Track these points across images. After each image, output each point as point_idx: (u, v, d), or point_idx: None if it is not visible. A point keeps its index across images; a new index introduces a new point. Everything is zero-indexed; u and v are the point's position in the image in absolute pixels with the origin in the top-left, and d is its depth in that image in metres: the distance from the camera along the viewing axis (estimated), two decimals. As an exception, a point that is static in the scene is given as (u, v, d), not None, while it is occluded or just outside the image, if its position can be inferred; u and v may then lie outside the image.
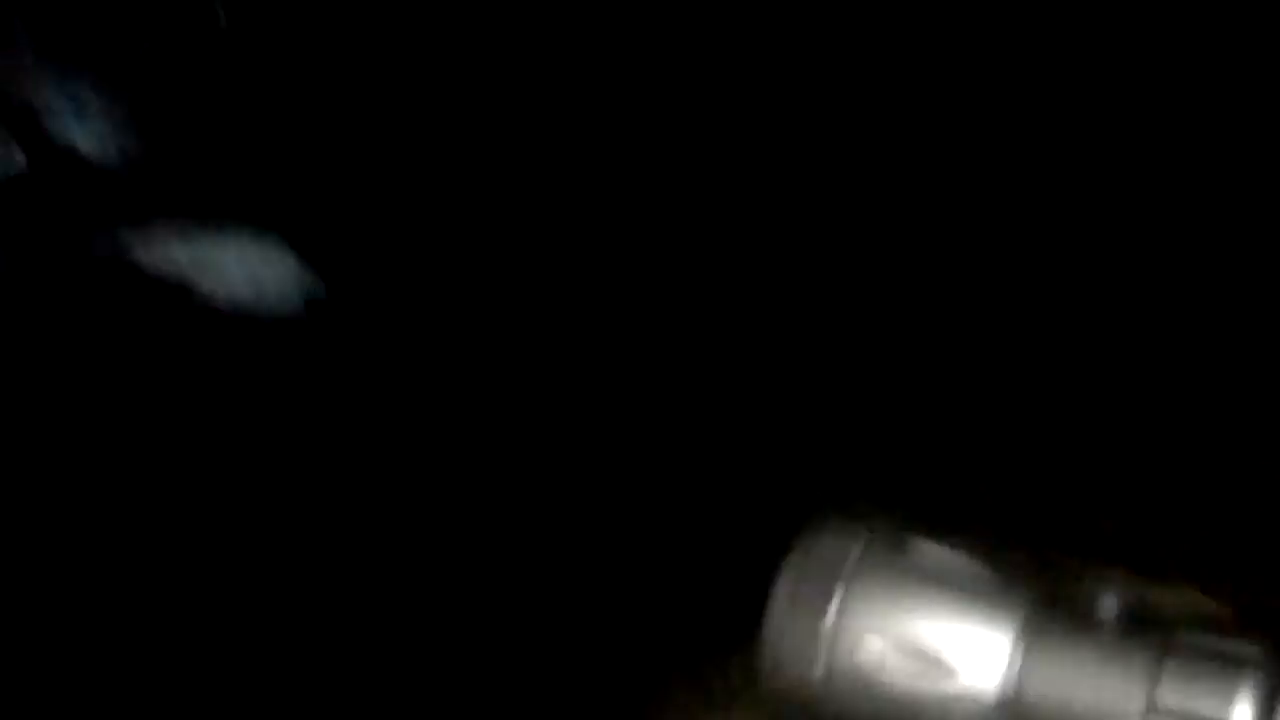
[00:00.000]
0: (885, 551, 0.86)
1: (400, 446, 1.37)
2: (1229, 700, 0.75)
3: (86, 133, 1.33)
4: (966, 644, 0.82)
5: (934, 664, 0.82)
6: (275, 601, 1.32)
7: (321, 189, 1.34)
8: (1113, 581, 0.85)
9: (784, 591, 0.86)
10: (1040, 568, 0.86)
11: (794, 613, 0.86)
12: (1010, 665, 0.81)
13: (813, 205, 1.31)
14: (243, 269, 1.34)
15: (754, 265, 1.34)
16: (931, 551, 0.87)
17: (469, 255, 1.37)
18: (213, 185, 1.34)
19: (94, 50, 1.33)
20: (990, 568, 0.85)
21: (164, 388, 1.33)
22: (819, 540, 0.88)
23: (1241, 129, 1.22)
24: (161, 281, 1.33)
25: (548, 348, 1.37)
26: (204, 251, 1.33)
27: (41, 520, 1.27)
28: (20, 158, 1.33)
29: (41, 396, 1.30)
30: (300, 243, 1.34)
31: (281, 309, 1.35)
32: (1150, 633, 0.80)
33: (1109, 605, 0.82)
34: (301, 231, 1.34)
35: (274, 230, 1.34)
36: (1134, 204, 1.28)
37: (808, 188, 1.31)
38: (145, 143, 1.34)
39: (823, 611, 0.85)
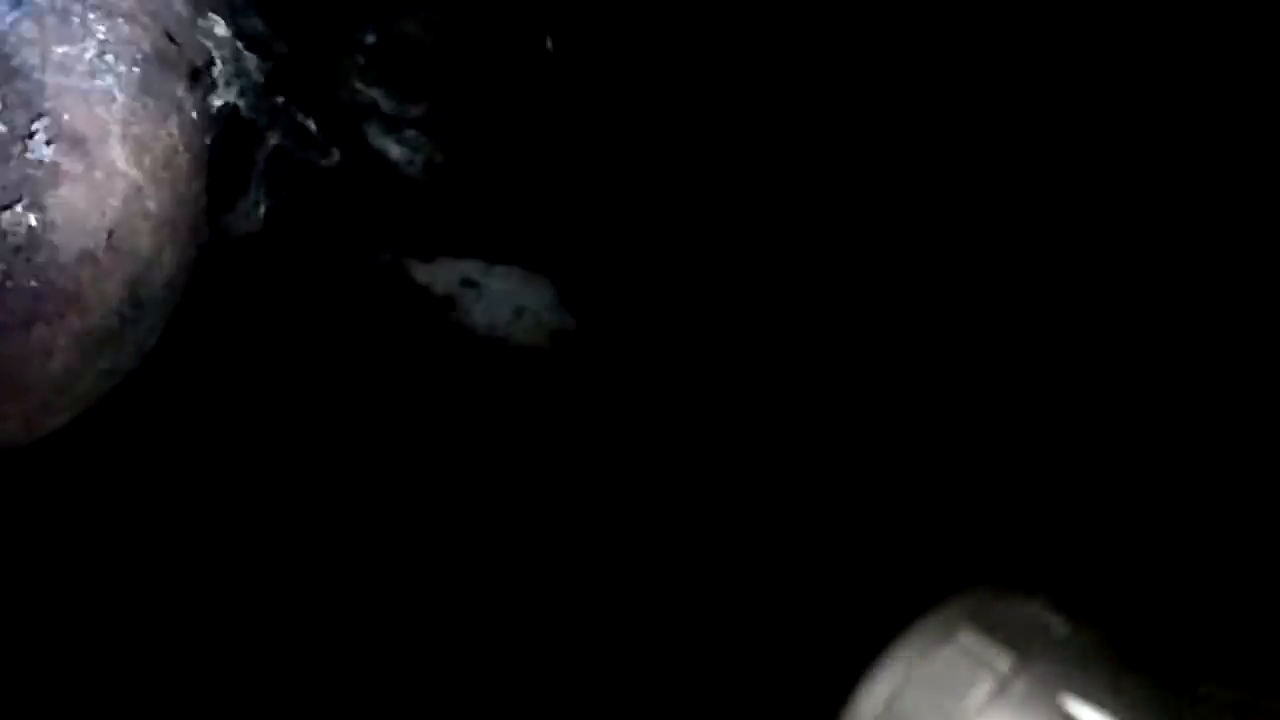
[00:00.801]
0: (1030, 700, 0.64)
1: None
2: None
3: (398, 139, 1.39)
4: None
5: None
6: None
7: (585, 230, 1.35)
8: None
9: (874, 703, 0.66)
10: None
11: None
12: None
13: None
14: (507, 297, 1.36)
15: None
16: (1091, 714, 0.63)
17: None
18: (498, 216, 1.37)
19: (424, 62, 1.40)
20: None
21: (414, 397, 1.37)
22: (939, 653, 0.67)
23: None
24: (430, 295, 1.37)
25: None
26: (475, 275, 1.36)
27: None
28: (336, 155, 1.40)
29: (297, 383, 1.37)
30: (559, 278, 1.35)
31: (532, 338, 1.36)
32: None
33: None
34: (561, 267, 1.35)
35: (542, 269, 1.35)
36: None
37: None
38: (449, 160, 1.38)
39: None
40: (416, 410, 1.36)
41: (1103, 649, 0.69)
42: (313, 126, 1.40)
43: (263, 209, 1.40)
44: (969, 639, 0.67)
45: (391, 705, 1.27)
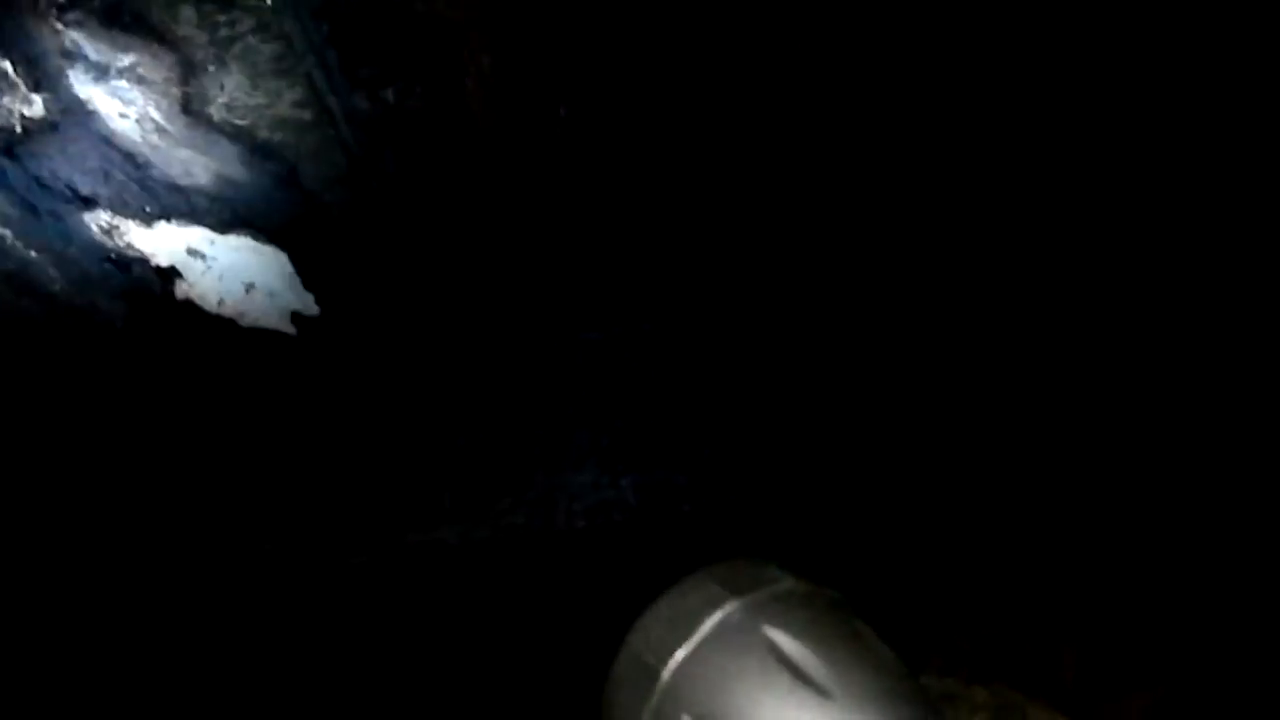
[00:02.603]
0: (739, 632, 0.82)
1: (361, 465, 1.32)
2: None
3: (108, 89, 1.26)
4: None
5: None
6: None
7: (328, 214, 1.26)
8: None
9: (630, 648, 0.85)
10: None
11: (628, 676, 0.84)
12: None
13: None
14: (238, 271, 1.27)
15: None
16: (790, 647, 0.82)
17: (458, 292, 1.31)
18: (226, 180, 1.27)
19: (135, 6, 1.25)
20: (850, 687, 0.80)
21: (129, 380, 1.29)
22: (689, 598, 0.85)
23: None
24: (150, 265, 1.27)
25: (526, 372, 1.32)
26: (202, 245, 1.27)
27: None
28: (38, 102, 1.26)
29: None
30: (302, 261, 1.27)
31: (268, 318, 1.28)
32: None
33: None
34: (305, 250, 1.26)
35: (278, 241, 1.27)
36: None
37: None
38: (167, 115, 1.26)
39: (650, 685, 0.82)
40: (132, 396, 1.28)
41: (819, 598, 0.85)
42: (10, 68, 1.25)
43: (-51, 151, 1.26)
44: (712, 588, 0.85)
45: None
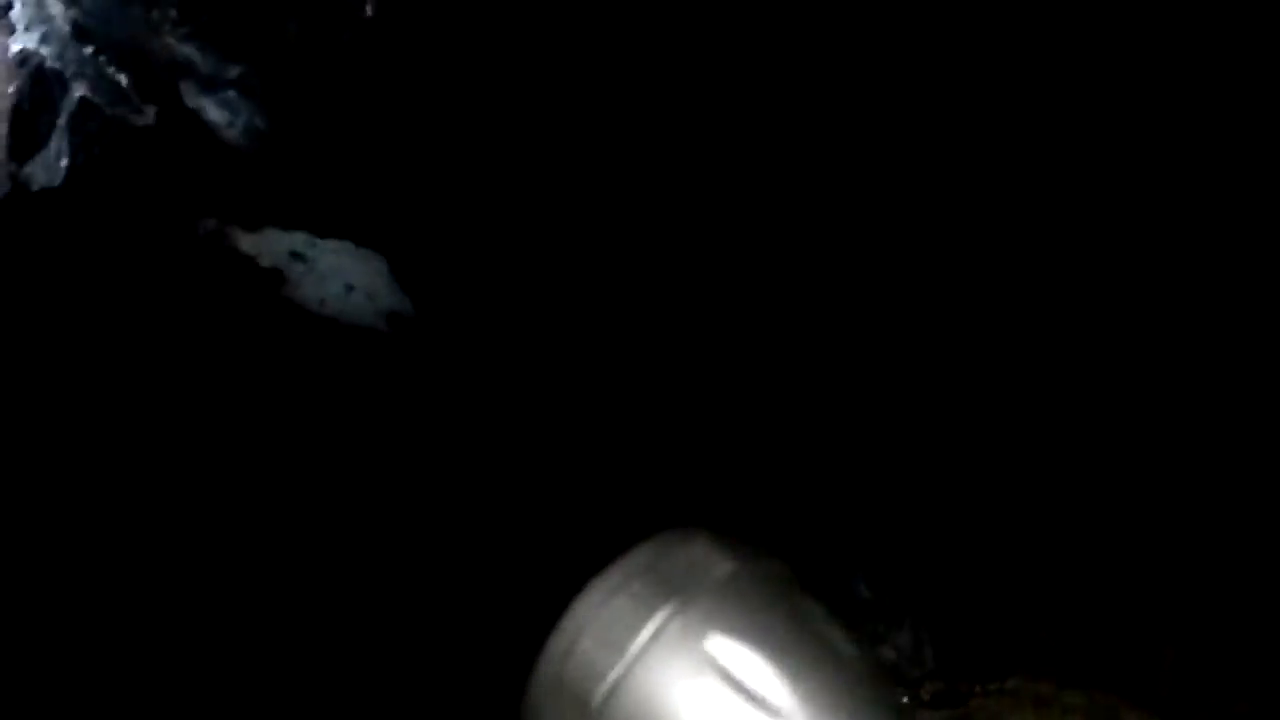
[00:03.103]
0: (678, 648, 0.70)
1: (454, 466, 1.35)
2: None
3: (217, 100, 1.31)
4: None
5: None
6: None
7: (426, 216, 1.31)
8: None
9: (551, 663, 0.72)
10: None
11: (549, 701, 0.72)
12: None
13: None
14: (338, 273, 1.32)
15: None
16: (738, 661, 0.69)
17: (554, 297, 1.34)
18: (328, 187, 1.32)
19: (243, 20, 1.31)
20: (809, 702, 0.69)
21: (237, 372, 1.32)
22: (613, 601, 0.72)
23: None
24: (255, 267, 1.31)
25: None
26: (304, 248, 1.31)
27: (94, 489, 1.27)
28: (150, 113, 1.31)
29: (113, 357, 1.30)
30: (398, 262, 1.31)
31: (366, 319, 1.32)
32: None
33: None
34: (402, 252, 1.31)
35: (375, 244, 1.31)
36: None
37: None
38: (273, 125, 1.31)
39: (587, 699, 0.71)
40: (238, 392, 1.31)
41: (765, 584, 0.74)
42: (124, 81, 1.31)
43: (65, 163, 1.31)
44: (638, 586, 0.72)
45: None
